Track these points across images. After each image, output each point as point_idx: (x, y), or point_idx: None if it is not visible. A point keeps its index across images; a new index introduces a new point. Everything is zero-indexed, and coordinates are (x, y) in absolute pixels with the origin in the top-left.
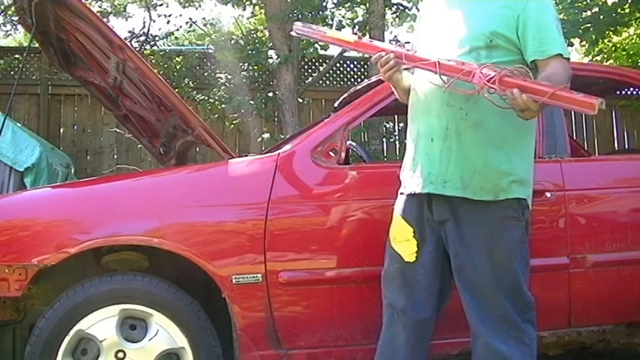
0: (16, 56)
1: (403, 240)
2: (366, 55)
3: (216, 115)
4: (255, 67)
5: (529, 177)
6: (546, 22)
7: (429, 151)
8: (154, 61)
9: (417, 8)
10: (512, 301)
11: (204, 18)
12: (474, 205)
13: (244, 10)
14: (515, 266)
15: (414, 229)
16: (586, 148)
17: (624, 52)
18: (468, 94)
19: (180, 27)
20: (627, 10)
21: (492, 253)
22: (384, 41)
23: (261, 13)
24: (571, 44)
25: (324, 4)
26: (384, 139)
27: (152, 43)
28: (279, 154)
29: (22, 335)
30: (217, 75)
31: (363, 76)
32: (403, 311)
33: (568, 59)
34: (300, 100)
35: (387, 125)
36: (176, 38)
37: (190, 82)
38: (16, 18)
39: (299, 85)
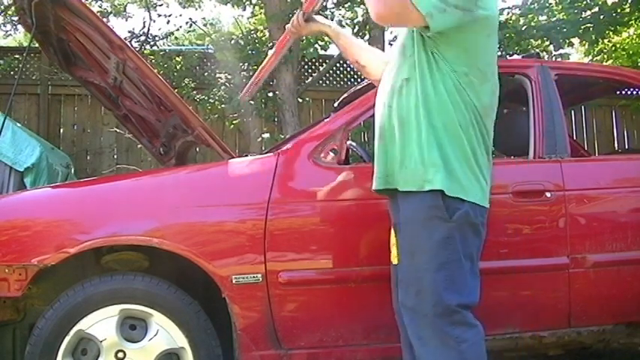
0: (16, 56)
1: (392, 243)
2: None
3: (216, 115)
4: (255, 67)
5: (465, 175)
6: None
7: (375, 148)
8: (154, 61)
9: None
10: (433, 305)
11: (204, 18)
12: (404, 203)
13: (244, 10)
14: (432, 269)
15: (394, 230)
16: (586, 148)
17: (624, 52)
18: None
19: (180, 27)
20: (627, 10)
21: (414, 253)
22: (383, 41)
23: (261, 13)
24: (571, 44)
25: (323, 4)
26: None
27: (152, 43)
28: (279, 154)
29: (22, 335)
30: (217, 75)
31: (363, 76)
32: (397, 311)
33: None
34: (300, 100)
35: None
36: (176, 38)
37: (190, 82)
38: (16, 18)
39: (299, 85)
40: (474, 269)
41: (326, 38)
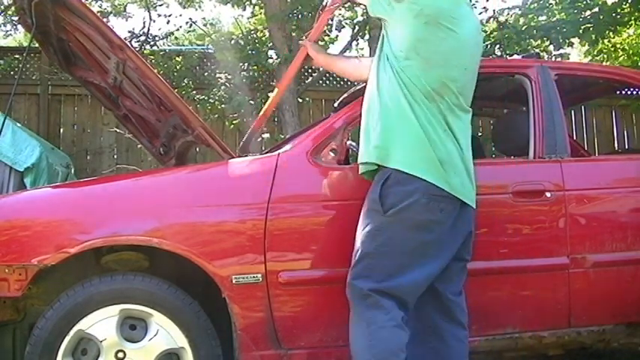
0: (16, 56)
1: None
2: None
3: (216, 115)
4: (255, 67)
5: (411, 151)
6: None
7: None
8: (154, 61)
9: None
10: (352, 288)
11: (204, 18)
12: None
13: (244, 10)
14: (359, 254)
15: None
16: (586, 148)
17: (624, 52)
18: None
19: (180, 27)
20: (627, 10)
21: (356, 240)
22: None
23: (261, 13)
24: (571, 44)
25: (324, 3)
26: None
27: (152, 43)
28: (279, 154)
29: (22, 335)
30: (217, 75)
31: None
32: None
33: None
34: (300, 100)
35: None
36: (176, 38)
37: (190, 82)
38: (16, 18)
39: (299, 85)
40: (415, 262)
41: (326, 38)
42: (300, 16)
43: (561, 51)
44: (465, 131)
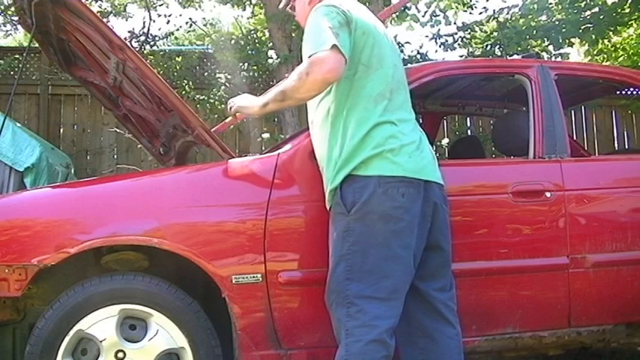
0: (16, 56)
1: None
2: None
3: (216, 115)
4: (255, 67)
5: (360, 152)
6: (307, 31)
7: None
8: (153, 61)
9: (417, 8)
10: (335, 296)
11: (204, 18)
12: None
13: (244, 10)
14: (335, 262)
15: None
16: (586, 148)
17: (624, 52)
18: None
19: (180, 27)
20: (627, 10)
21: (329, 244)
22: None
23: (261, 13)
24: (571, 44)
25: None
26: None
27: (152, 43)
28: (279, 154)
29: (22, 335)
30: (217, 75)
31: None
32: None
33: (328, 53)
34: None
35: None
36: (176, 38)
37: (190, 82)
38: (16, 18)
39: None
40: (392, 254)
41: None
42: None
43: (561, 51)
44: (415, 124)
